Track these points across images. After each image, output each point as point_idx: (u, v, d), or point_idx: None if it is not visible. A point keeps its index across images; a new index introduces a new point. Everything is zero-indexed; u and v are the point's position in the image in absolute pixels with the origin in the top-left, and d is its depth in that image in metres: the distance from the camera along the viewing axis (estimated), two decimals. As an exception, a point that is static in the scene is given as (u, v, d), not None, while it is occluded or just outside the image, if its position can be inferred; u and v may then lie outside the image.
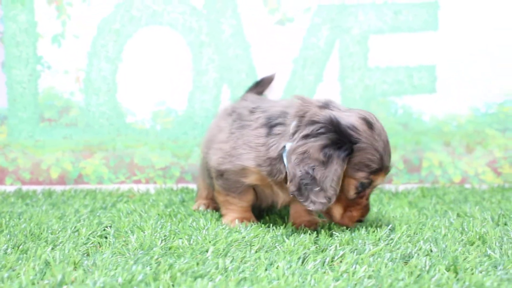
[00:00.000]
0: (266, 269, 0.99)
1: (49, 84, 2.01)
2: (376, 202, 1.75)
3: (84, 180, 2.04)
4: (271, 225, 1.35)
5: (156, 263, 1.01)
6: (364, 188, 1.28)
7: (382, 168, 1.26)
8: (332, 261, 1.05)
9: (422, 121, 2.06)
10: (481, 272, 0.95)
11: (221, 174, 1.39)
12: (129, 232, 1.29)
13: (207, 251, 1.10)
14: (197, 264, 1.01)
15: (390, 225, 1.31)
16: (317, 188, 1.20)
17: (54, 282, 0.91)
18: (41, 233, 1.28)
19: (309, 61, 2.03)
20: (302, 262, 1.04)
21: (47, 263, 1.03)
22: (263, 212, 1.55)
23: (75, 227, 1.35)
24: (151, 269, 0.96)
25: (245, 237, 1.22)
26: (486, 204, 1.69)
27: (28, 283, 0.91)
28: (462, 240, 1.20)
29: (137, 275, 0.92)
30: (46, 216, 1.49)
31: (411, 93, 2.05)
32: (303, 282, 0.92)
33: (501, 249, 1.10)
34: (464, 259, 1.04)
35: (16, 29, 1.98)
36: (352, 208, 1.29)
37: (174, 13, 2.01)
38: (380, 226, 1.32)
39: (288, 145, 1.25)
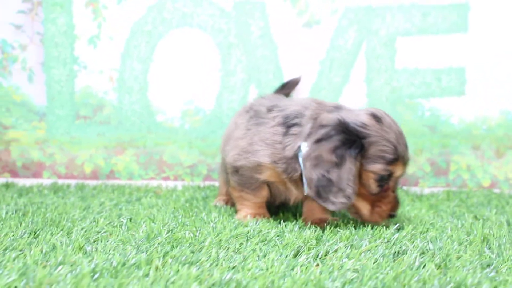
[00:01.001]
0: (256, 260, 1.02)
1: (85, 83, 2.11)
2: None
3: (115, 175, 2.12)
4: (281, 221, 1.38)
5: (154, 250, 1.06)
6: (385, 181, 1.28)
7: (398, 157, 1.26)
8: (326, 255, 1.07)
9: (450, 123, 2.04)
10: (468, 270, 0.95)
11: (236, 170, 1.43)
12: (142, 223, 1.34)
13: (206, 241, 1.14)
14: (192, 252, 1.05)
15: (398, 225, 1.32)
16: (335, 189, 1.23)
17: (54, 263, 0.97)
18: (60, 222, 1.35)
19: (335, 63, 2.05)
20: (296, 255, 1.06)
21: (54, 247, 1.09)
22: (279, 209, 1.58)
23: (94, 217, 1.42)
24: (146, 255, 1.01)
25: (250, 231, 1.25)
26: (509, 208, 1.66)
27: (32, 263, 0.97)
28: (467, 240, 1.19)
29: (131, 259, 0.97)
30: (72, 207, 1.57)
31: (439, 95, 2.03)
32: (288, 272, 0.94)
33: (499, 249, 1.09)
34: (458, 258, 1.04)
35: (55, 31, 2.09)
36: (380, 203, 1.31)
37: (204, 15, 2.07)
38: (388, 226, 1.33)
39: (304, 146, 1.28)
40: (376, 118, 1.27)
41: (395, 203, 1.33)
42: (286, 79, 2.05)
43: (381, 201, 1.31)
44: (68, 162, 2.13)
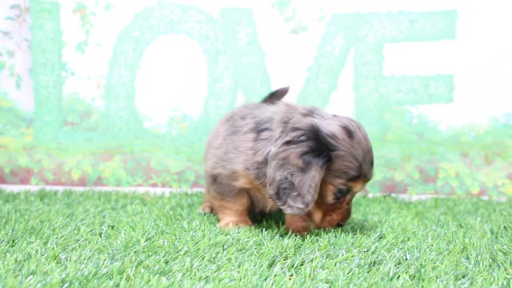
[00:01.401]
0: (231, 270, 1.01)
1: (72, 90, 2.11)
2: (383, 211, 1.74)
3: (103, 182, 2.12)
4: (263, 229, 1.37)
5: (129, 259, 1.05)
6: (343, 194, 1.30)
7: (360, 175, 1.27)
8: (301, 265, 1.06)
9: (438, 130, 2.03)
10: (442, 282, 0.94)
11: (214, 178, 1.43)
12: (122, 231, 1.34)
13: (182, 250, 1.13)
14: (166, 262, 1.05)
15: (378, 233, 1.31)
16: (295, 193, 1.23)
17: (26, 272, 0.97)
18: (41, 229, 1.35)
19: (323, 69, 2.04)
20: (271, 265, 1.06)
21: (29, 256, 1.09)
22: (263, 217, 1.57)
23: (76, 225, 1.41)
24: (120, 264, 1.00)
25: (229, 239, 1.24)
26: (495, 216, 1.65)
27: (4, 272, 0.96)
28: (446, 249, 1.18)
29: (103, 269, 0.97)
30: (55, 214, 1.56)
31: (427, 102, 2.03)
32: (260, 283, 0.93)
33: (477, 259, 1.08)
34: (434, 268, 1.03)
35: (43, 37, 2.09)
36: (332, 213, 1.32)
37: (191, 22, 2.06)
38: (369, 235, 1.32)
39: (274, 150, 1.28)
40: (348, 132, 1.27)
41: (346, 214, 1.34)
42: (273, 85, 2.05)
43: (334, 211, 1.32)
44: (55, 168, 2.12)
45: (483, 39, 2.00)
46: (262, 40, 2.05)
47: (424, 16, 2.01)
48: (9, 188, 2.08)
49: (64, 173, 2.13)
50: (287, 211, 1.25)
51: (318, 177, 1.22)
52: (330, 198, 1.29)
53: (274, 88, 2.04)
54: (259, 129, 1.34)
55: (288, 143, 1.25)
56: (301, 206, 1.23)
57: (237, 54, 2.06)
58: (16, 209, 1.64)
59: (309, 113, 1.31)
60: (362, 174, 1.27)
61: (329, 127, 1.26)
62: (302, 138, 1.25)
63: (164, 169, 2.10)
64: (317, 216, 1.32)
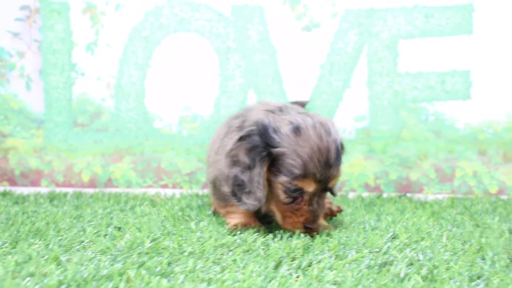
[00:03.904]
0: (235, 271, 0.97)
1: (82, 90, 2.09)
2: (398, 211, 1.69)
3: (113, 184, 2.09)
4: (273, 229, 1.33)
5: (130, 261, 1.02)
6: (296, 194, 1.25)
7: (306, 174, 1.21)
8: (309, 266, 1.02)
9: (455, 128, 1.98)
10: (455, 283, 0.89)
11: (214, 184, 1.42)
12: (128, 232, 1.31)
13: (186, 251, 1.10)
14: (169, 264, 1.01)
15: (391, 233, 1.26)
16: (247, 190, 1.24)
17: (25, 274, 0.94)
18: (47, 231, 1.32)
19: (336, 67, 2.00)
20: (277, 266, 1.02)
21: (30, 257, 1.06)
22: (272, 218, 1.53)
23: (82, 227, 1.38)
24: (121, 266, 0.97)
25: (236, 240, 1.21)
26: (514, 216, 1.59)
27: (3, 274, 0.94)
28: (462, 250, 1.14)
29: (103, 270, 0.94)
30: (63, 216, 1.54)
31: (443, 99, 1.97)
32: (265, 285, 0.90)
33: (493, 260, 1.03)
34: (448, 269, 0.98)
35: (53, 37, 2.07)
36: (292, 214, 1.28)
37: (201, 20, 2.03)
38: (382, 235, 1.27)
39: None
40: (295, 129, 1.23)
41: (310, 216, 1.27)
42: (285, 83, 2.01)
43: (293, 212, 1.28)
44: (66, 170, 2.11)
45: (501, 33, 1.94)
46: (274, 38, 2.02)
47: (439, 10, 1.95)
48: (19, 190, 2.07)
49: (74, 175, 2.11)
50: (243, 207, 1.26)
51: (262, 173, 1.22)
52: (282, 197, 1.26)
53: (286, 86, 2.02)
54: (241, 128, 1.33)
55: (239, 139, 1.26)
56: (254, 202, 1.24)
57: (248, 52, 2.03)
58: (24, 211, 1.62)
59: (272, 111, 1.29)
60: (309, 173, 1.21)
61: (278, 123, 1.25)
62: (249, 134, 1.25)
63: (175, 170, 2.07)
64: (278, 216, 1.30)
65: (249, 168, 1.23)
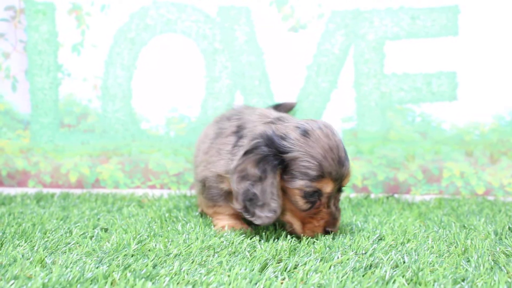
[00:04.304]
0: (221, 274, 0.97)
1: (69, 91, 2.08)
2: (385, 212, 1.69)
3: (101, 184, 2.08)
4: (260, 231, 1.33)
5: (116, 263, 1.02)
6: (314, 197, 1.23)
7: (323, 174, 1.20)
8: (295, 268, 1.02)
9: (442, 129, 1.99)
10: (440, 285, 0.90)
11: (203, 183, 1.42)
12: (114, 233, 1.30)
13: (172, 253, 1.10)
14: (154, 266, 1.01)
15: (377, 235, 1.27)
16: (260, 203, 1.20)
17: (9, 277, 0.93)
18: (32, 233, 1.31)
19: (323, 68, 2.00)
20: (263, 269, 1.02)
21: (15, 260, 1.05)
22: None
23: (68, 228, 1.37)
24: (106, 268, 0.97)
25: (223, 242, 1.21)
26: (499, 217, 1.60)
27: (-14, 277, 0.93)
28: (447, 251, 1.14)
29: (88, 272, 0.93)
30: (49, 217, 1.53)
31: (429, 100, 1.98)
32: (250, 287, 0.90)
33: (478, 262, 1.03)
34: (433, 271, 0.99)
35: (38, 38, 2.06)
36: (312, 219, 1.25)
37: (188, 21, 2.03)
38: (368, 237, 1.28)
39: None
40: (303, 131, 1.22)
41: (330, 219, 1.26)
42: (272, 85, 2.01)
43: (313, 217, 1.25)
44: (53, 171, 2.09)
45: (486, 34, 1.95)
46: (261, 39, 2.02)
47: (425, 12, 1.96)
48: (6, 191, 2.05)
49: (62, 176, 2.09)
50: (257, 222, 1.21)
51: (276, 183, 1.19)
52: (301, 203, 1.23)
53: (273, 87, 2.02)
54: (239, 134, 1.33)
55: (245, 153, 1.23)
56: (269, 214, 1.20)
57: (235, 53, 2.02)
58: (11, 212, 1.61)
59: (272, 121, 1.29)
60: (326, 172, 1.21)
61: (283, 130, 1.23)
62: (256, 146, 1.22)
63: (163, 170, 2.07)
64: (296, 225, 1.27)
65: (260, 179, 1.20)
